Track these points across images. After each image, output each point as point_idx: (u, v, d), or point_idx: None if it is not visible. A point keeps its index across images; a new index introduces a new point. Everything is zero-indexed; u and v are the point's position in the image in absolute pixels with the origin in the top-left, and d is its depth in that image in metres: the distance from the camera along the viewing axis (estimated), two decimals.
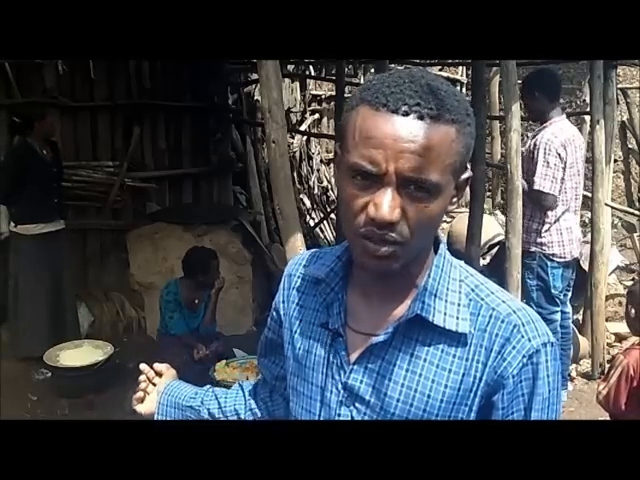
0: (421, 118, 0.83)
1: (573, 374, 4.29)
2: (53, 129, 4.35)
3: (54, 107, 4.98)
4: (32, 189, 4.14)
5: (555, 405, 0.93)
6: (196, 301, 4.07)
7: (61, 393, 3.98)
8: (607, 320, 4.57)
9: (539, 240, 3.65)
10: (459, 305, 0.93)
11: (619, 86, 6.17)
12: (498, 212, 7.52)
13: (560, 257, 3.67)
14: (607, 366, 4.21)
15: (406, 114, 0.83)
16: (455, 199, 0.92)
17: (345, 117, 0.90)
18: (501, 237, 4.86)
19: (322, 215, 7.62)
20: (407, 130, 0.82)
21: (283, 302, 1.08)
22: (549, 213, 3.63)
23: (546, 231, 3.65)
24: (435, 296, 0.93)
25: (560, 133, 3.57)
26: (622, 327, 4.85)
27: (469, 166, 0.93)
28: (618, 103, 6.19)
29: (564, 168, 3.55)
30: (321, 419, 0.99)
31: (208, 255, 4.07)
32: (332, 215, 7.13)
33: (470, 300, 0.93)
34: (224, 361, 3.69)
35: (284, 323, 1.08)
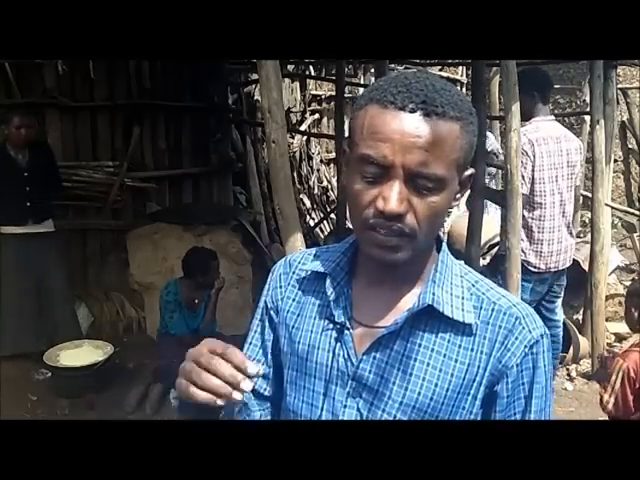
0: (427, 115, 0.87)
1: (573, 374, 4.29)
2: (26, 134, 4.24)
3: (53, 107, 5.00)
4: (2, 192, 4.20)
5: (551, 393, 0.99)
6: (196, 301, 4.07)
7: (61, 393, 3.99)
8: (607, 320, 4.58)
9: None
10: (463, 298, 0.97)
11: (619, 86, 6.17)
12: (498, 212, 7.51)
13: (534, 267, 3.52)
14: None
15: (413, 111, 0.87)
16: (459, 195, 0.96)
17: (354, 116, 0.94)
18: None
19: (322, 215, 7.62)
20: (414, 126, 0.86)
21: (280, 300, 1.10)
22: (532, 221, 3.49)
23: (525, 235, 3.49)
24: (442, 289, 0.97)
25: (533, 132, 3.45)
26: (622, 327, 4.85)
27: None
28: (618, 103, 6.20)
29: (533, 167, 3.41)
30: (324, 412, 1.01)
31: (208, 255, 4.07)
32: (332, 215, 7.13)
33: (472, 294, 0.98)
34: None
35: (280, 320, 1.09)
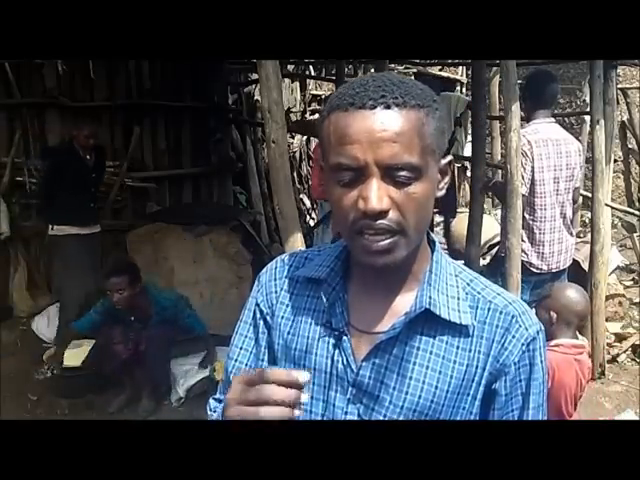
0: (388, 107, 0.87)
1: None
2: (93, 143, 4.35)
3: (53, 107, 5.00)
4: (70, 191, 4.21)
5: (546, 389, 1.00)
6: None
7: (61, 393, 3.99)
8: (607, 320, 4.57)
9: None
10: (459, 299, 0.97)
11: (619, 86, 6.16)
12: (498, 212, 7.52)
13: (537, 268, 3.53)
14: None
15: (373, 107, 0.87)
16: (442, 184, 0.96)
17: (319, 129, 0.94)
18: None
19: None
20: (378, 121, 0.87)
21: (274, 305, 1.07)
22: (533, 222, 3.49)
23: (526, 237, 3.49)
24: (437, 291, 0.97)
25: (532, 133, 3.45)
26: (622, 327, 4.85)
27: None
28: (618, 103, 6.19)
29: (533, 168, 3.41)
30: (324, 418, 1.00)
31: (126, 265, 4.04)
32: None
33: (467, 294, 0.98)
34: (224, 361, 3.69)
35: (274, 325, 1.07)
